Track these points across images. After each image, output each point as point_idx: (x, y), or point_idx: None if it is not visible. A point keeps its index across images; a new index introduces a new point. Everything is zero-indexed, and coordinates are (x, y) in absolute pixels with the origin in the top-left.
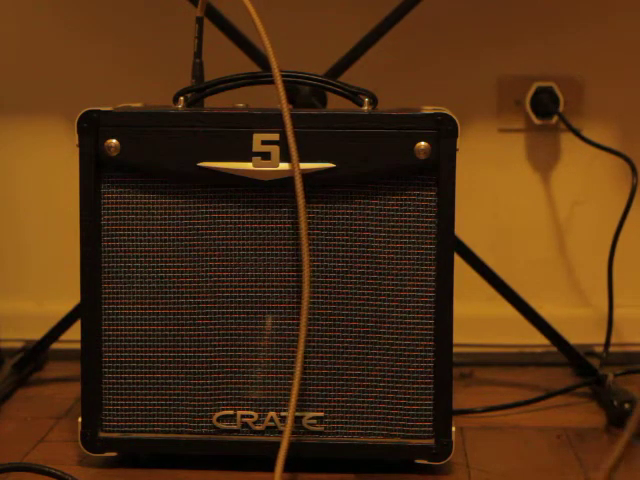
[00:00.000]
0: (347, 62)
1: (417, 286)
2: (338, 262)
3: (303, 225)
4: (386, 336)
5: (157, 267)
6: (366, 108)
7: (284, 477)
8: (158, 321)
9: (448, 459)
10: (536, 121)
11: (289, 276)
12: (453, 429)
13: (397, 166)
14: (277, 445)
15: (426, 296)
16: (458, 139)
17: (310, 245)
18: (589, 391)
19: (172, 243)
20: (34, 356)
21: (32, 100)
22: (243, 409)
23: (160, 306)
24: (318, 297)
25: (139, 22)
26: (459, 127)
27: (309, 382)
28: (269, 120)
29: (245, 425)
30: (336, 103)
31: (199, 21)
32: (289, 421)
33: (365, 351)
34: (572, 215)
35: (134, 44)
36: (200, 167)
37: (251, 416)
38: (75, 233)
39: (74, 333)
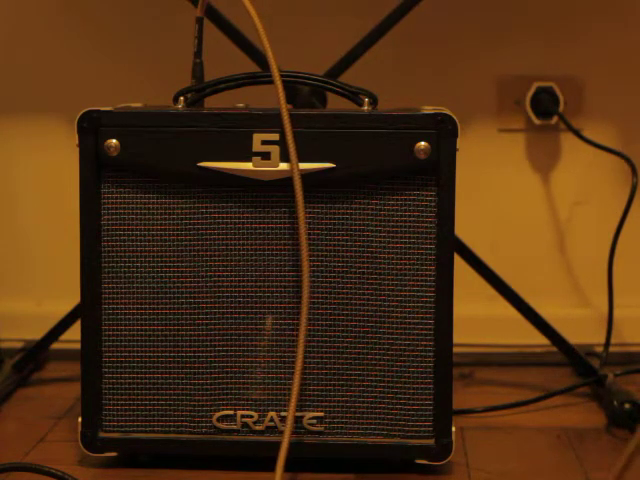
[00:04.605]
0: (347, 62)
1: (417, 286)
2: (338, 262)
3: (302, 225)
4: (386, 336)
5: (157, 267)
6: (366, 108)
7: (284, 477)
8: (158, 321)
9: (448, 459)
10: (536, 121)
11: (289, 276)
12: (453, 429)
13: (397, 166)
14: (277, 445)
15: (426, 296)
16: (458, 139)
17: (310, 245)
18: (589, 391)
19: (172, 243)
20: (34, 356)
21: (32, 100)
22: (243, 409)
23: (160, 306)
24: (318, 297)
25: (139, 22)
26: (459, 127)
27: (309, 382)
28: (269, 120)
29: (245, 425)
30: (336, 103)
31: (199, 21)
32: (289, 421)
33: (365, 351)
34: (572, 215)
35: (134, 44)
36: (200, 167)
37: (251, 416)
38: (75, 233)
39: (74, 333)
